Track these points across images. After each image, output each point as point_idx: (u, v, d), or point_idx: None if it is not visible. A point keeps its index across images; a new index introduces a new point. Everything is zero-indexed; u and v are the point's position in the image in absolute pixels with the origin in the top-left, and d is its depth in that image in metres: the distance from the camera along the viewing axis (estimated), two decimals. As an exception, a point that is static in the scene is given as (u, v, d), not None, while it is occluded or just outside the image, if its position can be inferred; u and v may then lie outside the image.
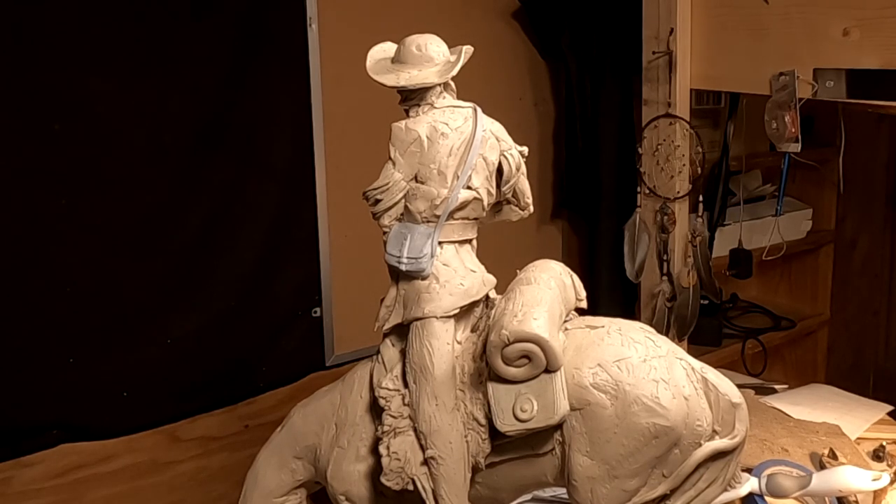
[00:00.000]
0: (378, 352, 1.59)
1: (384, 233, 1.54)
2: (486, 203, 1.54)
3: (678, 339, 2.33)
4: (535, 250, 2.65)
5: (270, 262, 2.30)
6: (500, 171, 1.55)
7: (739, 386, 1.51)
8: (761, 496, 1.77)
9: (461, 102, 1.55)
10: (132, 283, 2.11)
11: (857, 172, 2.88)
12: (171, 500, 2.24)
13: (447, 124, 1.50)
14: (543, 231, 2.90)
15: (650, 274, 2.36)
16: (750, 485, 1.73)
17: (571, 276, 1.58)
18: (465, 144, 1.50)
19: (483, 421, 1.48)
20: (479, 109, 1.54)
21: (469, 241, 1.57)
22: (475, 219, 1.56)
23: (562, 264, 1.57)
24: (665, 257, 2.33)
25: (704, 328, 2.66)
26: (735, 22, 2.15)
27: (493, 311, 1.49)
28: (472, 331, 1.57)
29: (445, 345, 1.49)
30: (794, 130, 2.01)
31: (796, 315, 3.12)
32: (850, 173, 2.53)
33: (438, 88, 1.53)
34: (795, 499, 1.82)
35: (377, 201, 1.52)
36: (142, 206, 2.10)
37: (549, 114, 2.86)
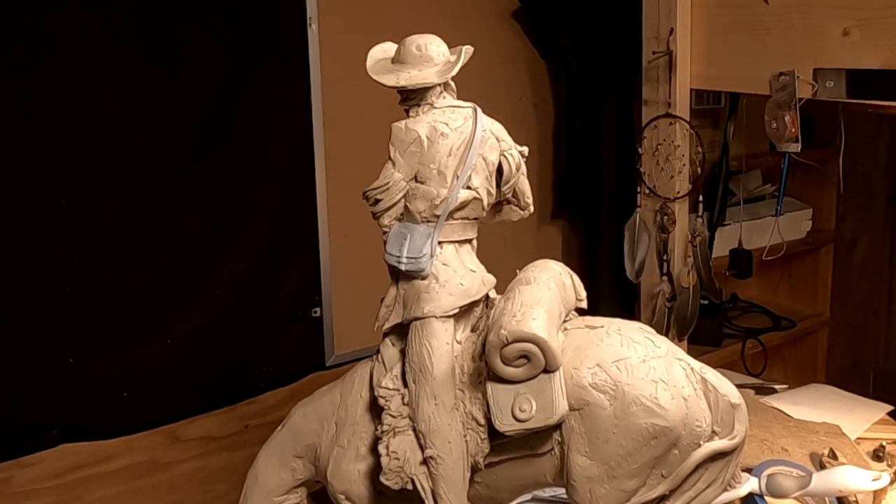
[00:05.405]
0: (378, 351, 1.59)
1: (384, 233, 1.54)
2: (485, 203, 1.54)
3: (678, 339, 2.33)
4: (535, 250, 2.65)
5: (270, 262, 2.31)
6: (500, 171, 1.55)
7: (739, 386, 1.52)
8: (761, 496, 1.77)
9: (461, 102, 1.55)
10: (132, 282, 2.11)
11: (857, 172, 2.88)
12: (171, 500, 2.24)
13: (447, 124, 1.50)
14: (543, 231, 2.90)
15: (650, 274, 2.36)
16: (750, 485, 1.73)
17: (571, 276, 1.58)
18: (465, 144, 1.50)
19: (482, 421, 1.48)
20: (479, 109, 1.54)
21: (469, 241, 1.57)
22: (475, 219, 1.56)
23: (561, 264, 1.57)
24: (665, 257, 2.33)
25: (704, 328, 2.66)
26: (735, 22, 2.15)
27: (492, 311, 1.49)
28: (472, 331, 1.57)
29: (445, 344, 1.49)
30: (794, 130, 2.01)
31: (796, 315, 3.12)
32: (850, 173, 2.53)
33: (438, 88, 1.53)
34: (795, 499, 1.82)
35: (377, 201, 1.52)
36: (142, 206, 2.10)
37: (549, 114, 2.86)
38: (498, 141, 1.55)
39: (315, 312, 2.41)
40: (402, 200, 1.51)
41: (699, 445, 1.43)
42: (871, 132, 3.06)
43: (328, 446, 1.62)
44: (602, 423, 1.42)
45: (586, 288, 1.60)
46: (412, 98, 1.53)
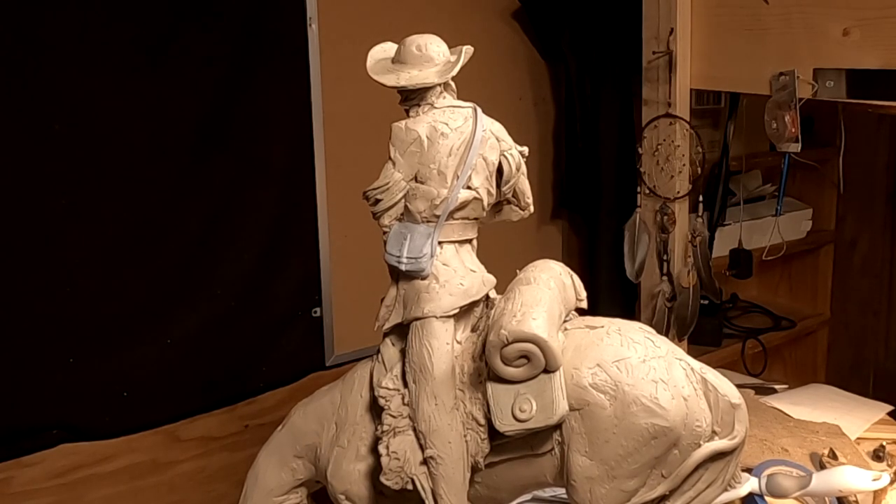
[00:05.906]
0: (378, 351, 1.59)
1: (384, 233, 1.54)
2: (485, 203, 1.54)
3: (678, 339, 2.33)
4: (535, 250, 2.65)
5: (270, 262, 2.30)
6: (500, 171, 1.55)
7: (739, 386, 1.52)
8: (761, 496, 1.77)
9: (461, 102, 1.55)
10: (132, 283, 2.11)
11: (857, 172, 2.88)
12: (171, 500, 2.24)
13: (447, 124, 1.50)
14: (543, 231, 2.90)
15: (650, 274, 2.36)
16: (750, 485, 1.73)
17: (571, 276, 1.58)
18: (465, 144, 1.50)
19: (482, 421, 1.48)
20: (479, 109, 1.54)
21: (469, 241, 1.57)
22: (475, 219, 1.56)
23: (562, 264, 1.57)
24: (665, 257, 2.33)
25: (704, 328, 2.67)
26: (735, 22, 2.15)
27: (492, 311, 1.49)
28: (472, 331, 1.57)
29: (445, 345, 1.49)
30: (794, 130, 2.01)
31: (796, 315, 3.12)
32: (850, 173, 2.53)
33: (438, 88, 1.53)
34: (795, 499, 1.82)
35: (377, 201, 1.52)
36: (142, 206, 2.10)
37: (549, 114, 2.86)
38: (498, 141, 1.55)
39: (315, 312, 2.41)
40: (403, 200, 1.52)
41: (699, 445, 1.43)
42: (871, 132, 3.06)
43: (328, 446, 1.62)
44: (602, 424, 1.42)
45: (586, 288, 1.60)
46: (412, 98, 1.53)
